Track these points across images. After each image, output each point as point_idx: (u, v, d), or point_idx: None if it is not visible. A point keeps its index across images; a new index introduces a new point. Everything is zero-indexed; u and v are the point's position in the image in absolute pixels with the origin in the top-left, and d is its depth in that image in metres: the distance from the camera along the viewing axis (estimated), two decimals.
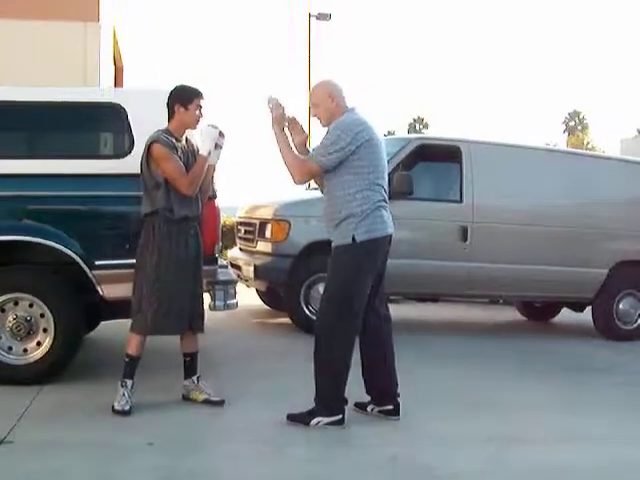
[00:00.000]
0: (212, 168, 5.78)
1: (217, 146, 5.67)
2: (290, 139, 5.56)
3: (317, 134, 22.35)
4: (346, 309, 5.31)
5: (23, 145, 6.80)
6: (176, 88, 5.68)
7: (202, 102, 5.67)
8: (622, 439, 5.58)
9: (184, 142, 5.71)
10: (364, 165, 5.33)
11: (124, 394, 5.49)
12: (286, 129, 5.54)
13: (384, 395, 5.66)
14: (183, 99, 5.62)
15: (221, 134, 5.67)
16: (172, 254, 5.53)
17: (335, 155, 5.27)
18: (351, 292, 5.33)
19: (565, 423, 5.87)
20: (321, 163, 5.32)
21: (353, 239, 5.29)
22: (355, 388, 5.57)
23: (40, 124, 6.55)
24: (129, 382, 5.54)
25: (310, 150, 5.60)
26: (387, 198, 5.52)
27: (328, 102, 5.46)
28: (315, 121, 5.62)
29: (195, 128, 5.75)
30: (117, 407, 5.44)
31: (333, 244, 5.45)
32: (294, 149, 5.53)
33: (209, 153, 5.59)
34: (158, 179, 5.51)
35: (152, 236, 5.54)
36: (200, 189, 5.72)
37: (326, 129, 5.47)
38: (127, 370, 5.57)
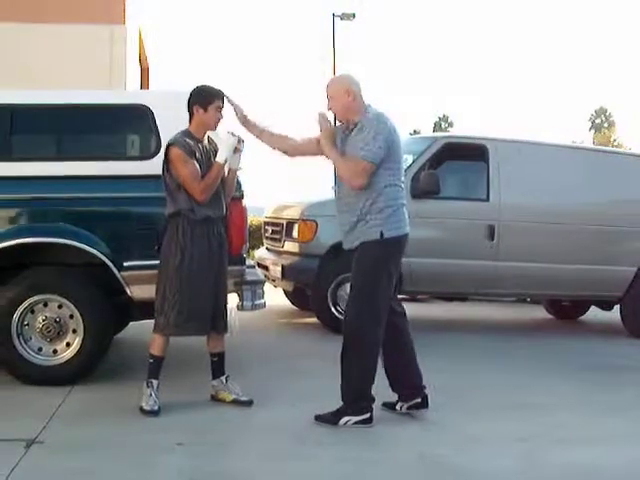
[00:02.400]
0: (233, 171, 5.81)
1: (237, 150, 5.68)
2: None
3: None
4: (373, 307, 5.31)
5: (51, 148, 6.84)
6: (195, 89, 5.68)
7: (221, 103, 5.66)
8: None
9: (205, 142, 5.72)
10: (394, 160, 5.36)
11: (151, 394, 5.51)
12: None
13: (410, 390, 5.65)
14: (202, 100, 5.61)
15: (240, 141, 5.68)
16: (194, 255, 5.54)
17: (381, 150, 5.26)
18: (378, 290, 5.32)
19: (593, 423, 5.83)
20: (373, 160, 5.27)
21: (381, 235, 5.30)
22: (381, 389, 5.56)
23: (67, 127, 6.60)
24: (155, 382, 5.55)
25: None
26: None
27: (345, 97, 5.45)
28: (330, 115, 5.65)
29: (215, 129, 5.74)
30: (146, 407, 5.46)
31: (356, 241, 5.41)
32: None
33: (225, 161, 5.59)
34: (178, 180, 5.54)
35: (175, 237, 5.55)
36: (224, 191, 5.73)
37: (340, 123, 5.53)
38: (152, 370, 5.58)
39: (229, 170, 5.74)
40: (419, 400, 5.63)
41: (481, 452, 5.01)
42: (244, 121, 5.74)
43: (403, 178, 5.52)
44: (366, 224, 5.35)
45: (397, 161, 5.40)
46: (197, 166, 5.50)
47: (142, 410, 5.45)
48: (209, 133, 5.75)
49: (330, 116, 5.65)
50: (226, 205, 5.80)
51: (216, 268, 5.67)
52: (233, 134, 5.63)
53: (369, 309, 5.31)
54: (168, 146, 5.54)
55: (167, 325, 5.54)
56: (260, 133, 5.75)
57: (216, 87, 5.71)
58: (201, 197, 5.51)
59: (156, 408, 5.46)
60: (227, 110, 5.71)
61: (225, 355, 5.90)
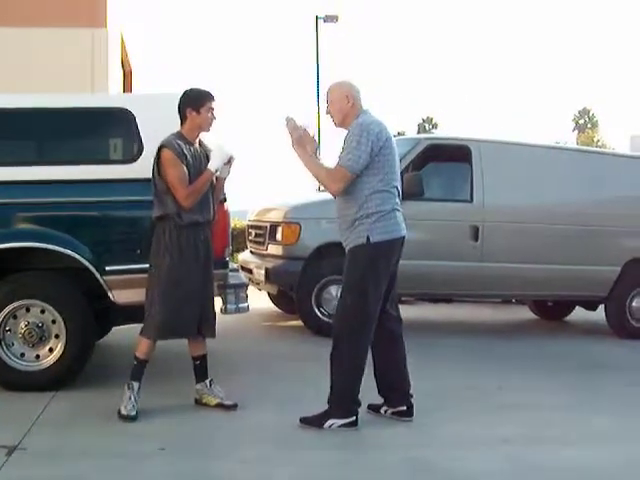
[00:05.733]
0: (222, 179, 5.80)
1: (229, 162, 5.67)
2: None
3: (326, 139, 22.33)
4: (361, 310, 5.31)
5: (32, 152, 6.79)
6: (187, 92, 5.66)
7: (214, 104, 5.65)
8: (637, 439, 5.54)
9: (197, 145, 5.70)
10: (382, 166, 5.34)
11: (130, 397, 5.47)
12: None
13: (397, 396, 5.64)
14: (194, 103, 5.59)
15: (232, 158, 5.66)
16: (182, 259, 5.51)
17: (364, 157, 5.26)
18: (366, 293, 5.32)
19: (580, 423, 5.84)
20: (352, 168, 5.28)
21: (367, 240, 5.29)
22: (368, 390, 5.55)
23: (48, 130, 6.54)
24: (136, 385, 5.52)
25: (319, 156, 5.60)
26: (400, 200, 5.52)
27: (344, 103, 5.46)
28: (327, 121, 5.62)
29: (208, 131, 5.74)
30: (123, 412, 5.42)
31: (347, 246, 5.43)
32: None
33: (216, 170, 5.58)
34: (168, 184, 5.51)
35: (162, 240, 5.53)
36: (213, 196, 5.71)
37: (339, 130, 5.50)
38: (134, 372, 5.55)
39: (217, 178, 5.73)
40: (404, 408, 5.62)
41: (467, 454, 5.00)
42: (298, 144, 5.47)
43: (397, 183, 5.48)
44: (355, 229, 5.36)
45: (387, 167, 5.37)
46: (186, 171, 5.47)
47: (119, 414, 5.42)
48: (209, 141, 5.73)
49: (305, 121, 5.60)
50: (214, 210, 5.77)
51: (203, 272, 5.64)
52: (228, 151, 5.61)
53: (357, 312, 5.31)
54: (160, 148, 5.51)
55: (154, 329, 5.51)
56: (307, 160, 5.49)
57: (207, 89, 5.69)
58: (185, 202, 5.47)
59: (133, 413, 5.41)
60: (219, 111, 5.69)
61: (207, 358, 5.87)
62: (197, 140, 5.71)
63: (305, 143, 5.54)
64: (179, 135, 5.60)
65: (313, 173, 5.51)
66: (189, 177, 5.49)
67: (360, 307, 5.31)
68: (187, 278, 5.53)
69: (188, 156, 5.52)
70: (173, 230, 5.51)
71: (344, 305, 5.41)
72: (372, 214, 5.31)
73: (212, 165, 5.56)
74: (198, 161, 5.59)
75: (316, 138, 5.66)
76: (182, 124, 5.64)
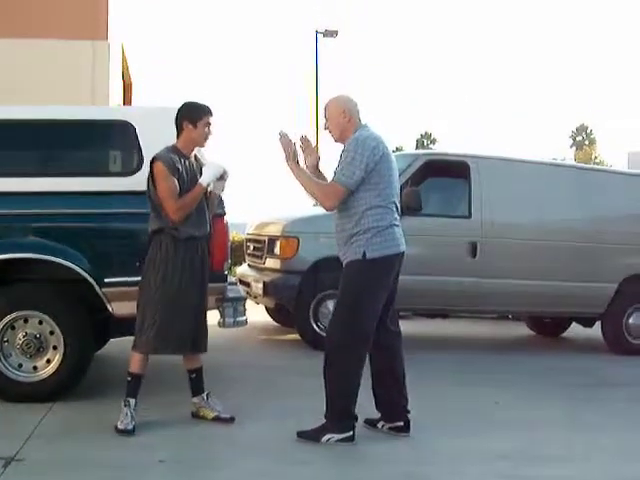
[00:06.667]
0: (215, 195, 5.81)
1: (222, 177, 5.67)
2: (302, 160, 5.56)
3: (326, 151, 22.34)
4: (356, 326, 5.29)
5: (32, 163, 6.78)
6: (185, 105, 5.66)
7: (211, 119, 5.64)
8: (633, 455, 5.54)
9: (192, 159, 5.70)
10: (378, 182, 5.32)
11: (127, 413, 5.43)
12: (298, 148, 5.53)
13: (394, 411, 5.64)
14: (192, 116, 5.59)
15: (225, 173, 5.66)
16: (176, 274, 5.49)
17: (358, 173, 5.25)
18: (361, 309, 5.31)
19: (576, 440, 5.83)
20: (346, 184, 5.29)
21: (364, 255, 5.28)
22: (366, 405, 5.55)
23: (49, 142, 6.56)
24: (132, 401, 5.48)
25: (320, 170, 5.61)
26: (399, 215, 5.52)
27: (341, 118, 5.47)
28: (326, 136, 5.62)
29: (204, 146, 5.74)
30: (120, 427, 5.38)
31: (344, 261, 5.44)
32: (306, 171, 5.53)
33: (208, 185, 5.57)
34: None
35: (158, 254, 5.51)
36: (208, 209, 5.72)
37: (339, 145, 5.49)
38: (130, 389, 5.51)
39: (210, 193, 5.74)
40: (401, 424, 5.61)
41: (464, 469, 5.00)
42: (290, 159, 5.45)
43: (395, 198, 5.47)
44: (351, 245, 5.35)
45: (383, 182, 5.35)
46: (176, 184, 5.45)
47: (117, 429, 5.38)
48: (202, 155, 5.75)
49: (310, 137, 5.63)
50: (210, 223, 5.78)
51: (198, 287, 5.62)
52: (221, 166, 5.61)
53: (350, 327, 5.29)
54: (152, 161, 5.52)
55: (146, 343, 5.48)
56: (300, 175, 5.48)
57: (205, 103, 5.70)
58: (174, 216, 5.44)
59: (130, 427, 5.38)
60: (215, 126, 5.70)
61: (203, 370, 5.86)
62: (192, 154, 5.71)
63: (307, 153, 5.57)
64: (173, 148, 5.59)
65: (307, 189, 5.50)
66: (182, 191, 5.47)
67: (352, 322, 5.29)
68: (182, 293, 5.50)
69: (181, 170, 5.51)
70: (170, 244, 5.49)
71: (336, 320, 5.41)
72: (369, 230, 5.30)
73: (204, 180, 5.54)
74: (192, 175, 5.58)
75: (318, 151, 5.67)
76: (178, 136, 5.64)
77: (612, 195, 10.32)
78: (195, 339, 5.66)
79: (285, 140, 5.47)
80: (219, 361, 7.02)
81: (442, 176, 9.95)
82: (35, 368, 6.09)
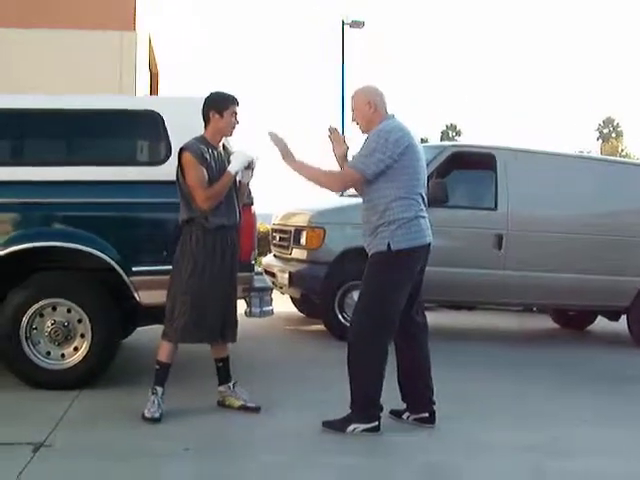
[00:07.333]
0: (244, 184, 5.83)
1: (249, 166, 5.70)
2: (331, 150, 5.60)
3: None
4: (380, 317, 5.30)
5: (61, 152, 6.83)
6: (211, 95, 5.68)
7: (237, 109, 5.67)
8: None
9: (220, 149, 5.73)
10: (403, 173, 5.31)
11: (154, 401, 5.47)
12: (327, 138, 5.58)
13: (420, 402, 5.64)
14: (218, 106, 5.62)
15: (253, 162, 5.69)
16: (207, 264, 5.52)
17: (376, 164, 5.25)
18: (385, 300, 5.31)
19: (604, 434, 5.81)
20: (362, 172, 5.30)
21: (388, 247, 5.28)
22: (391, 396, 5.56)
23: (77, 132, 6.60)
24: (159, 390, 5.53)
25: (349, 157, 5.61)
26: (426, 206, 5.52)
27: (366, 109, 5.47)
28: (355, 127, 5.62)
29: (231, 135, 5.76)
30: (147, 414, 5.42)
31: (369, 252, 5.44)
32: (335, 161, 5.56)
33: (236, 173, 5.60)
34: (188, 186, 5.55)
35: (188, 244, 5.54)
36: (238, 199, 5.75)
37: (365, 136, 5.48)
38: (158, 377, 5.56)
39: (240, 182, 5.76)
40: (426, 415, 5.61)
41: (490, 460, 5.01)
42: (285, 156, 5.52)
43: (421, 190, 5.45)
44: (377, 236, 5.36)
45: (407, 174, 5.33)
46: (205, 173, 5.48)
47: (143, 417, 5.42)
48: (230, 145, 5.76)
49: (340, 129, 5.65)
50: (240, 212, 5.80)
51: (228, 277, 5.66)
52: (250, 155, 5.64)
53: (374, 318, 5.30)
54: (180, 151, 5.55)
55: (175, 332, 5.53)
56: (300, 167, 5.54)
57: (231, 93, 5.72)
58: (204, 205, 5.48)
59: (157, 415, 5.41)
60: (241, 116, 5.71)
61: (230, 359, 5.89)
62: (220, 144, 5.74)
63: (335, 144, 5.60)
64: (201, 139, 5.62)
65: (309, 178, 5.51)
66: (211, 180, 5.51)
67: (376, 313, 5.30)
68: (212, 283, 5.54)
69: (209, 159, 5.54)
70: (200, 234, 5.52)
71: (360, 311, 5.42)
72: (394, 221, 5.30)
73: (232, 168, 5.57)
74: (220, 165, 5.60)
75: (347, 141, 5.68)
76: (205, 127, 5.67)
77: (638, 188, 10.23)
78: (224, 329, 5.69)
79: (276, 138, 5.49)
80: (245, 350, 7.04)
81: (468, 168, 9.92)
82: (63, 356, 6.15)
